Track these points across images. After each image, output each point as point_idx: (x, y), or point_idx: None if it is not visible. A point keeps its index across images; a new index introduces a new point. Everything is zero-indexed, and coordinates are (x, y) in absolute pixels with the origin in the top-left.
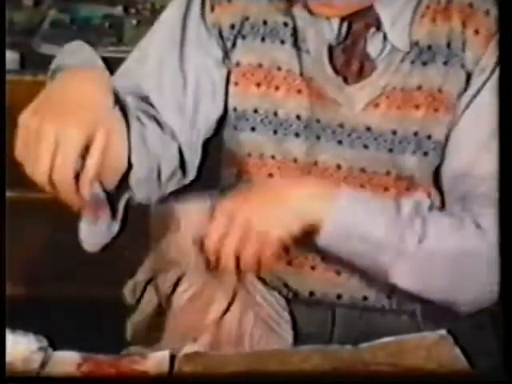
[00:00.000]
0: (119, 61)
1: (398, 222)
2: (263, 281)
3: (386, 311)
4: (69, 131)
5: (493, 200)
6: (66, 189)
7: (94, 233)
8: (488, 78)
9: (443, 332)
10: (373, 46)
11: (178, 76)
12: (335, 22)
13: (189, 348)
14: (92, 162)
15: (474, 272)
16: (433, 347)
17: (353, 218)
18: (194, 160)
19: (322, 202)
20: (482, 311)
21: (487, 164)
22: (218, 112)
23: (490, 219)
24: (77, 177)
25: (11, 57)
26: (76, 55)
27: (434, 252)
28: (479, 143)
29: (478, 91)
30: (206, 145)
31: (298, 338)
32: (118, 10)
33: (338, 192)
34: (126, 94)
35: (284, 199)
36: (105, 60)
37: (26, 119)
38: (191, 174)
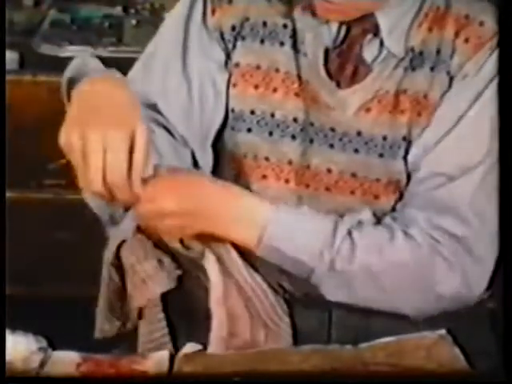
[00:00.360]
0: (119, 61)
1: (328, 249)
2: (267, 282)
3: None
4: (112, 133)
5: (428, 202)
6: (121, 189)
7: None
8: (466, 86)
9: (443, 332)
10: (369, 52)
11: (182, 83)
12: (334, 26)
13: (189, 348)
14: (139, 156)
15: (407, 282)
16: (432, 347)
17: (283, 245)
18: (207, 163)
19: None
20: (481, 311)
21: (428, 165)
22: (221, 114)
23: (421, 226)
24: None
25: (10, 57)
26: (87, 65)
27: (362, 273)
28: (428, 144)
29: (454, 95)
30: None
31: (296, 339)
32: (118, 10)
33: (273, 217)
34: None
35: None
36: (105, 60)
37: (66, 137)
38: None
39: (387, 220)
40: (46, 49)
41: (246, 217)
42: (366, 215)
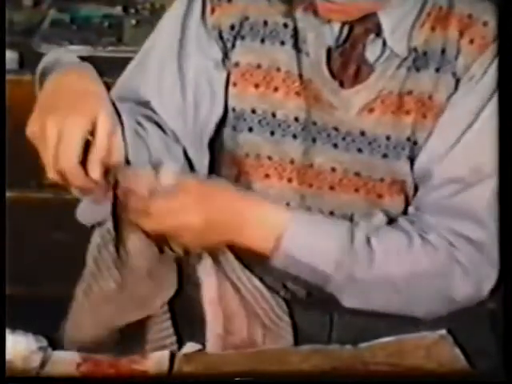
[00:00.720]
0: (119, 60)
1: (347, 256)
2: (264, 282)
3: None
4: (70, 119)
5: (445, 208)
6: (74, 174)
7: (94, 210)
8: (474, 88)
9: (443, 332)
10: (371, 51)
11: (177, 80)
12: (336, 26)
13: (189, 347)
14: (100, 142)
15: (423, 290)
16: (432, 347)
17: (301, 252)
18: (202, 161)
19: (271, 230)
20: (481, 311)
21: (443, 171)
22: (218, 113)
23: (439, 233)
24: (84, 163)
25: (10, 56)
26: (60, 58)
27: (381, 279)
28: (441, 149)
29: (461, 98)
30: (210, 145)
31: (297, 339)
32: (118, 9)
33: (291, 224)
34: (127, 100)
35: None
36: (104, 59)
37: (30, 129)
38: (202, 175)
39: (404, 223)
40: (46, 48)
41: (263, 224)
42: (380, 218)
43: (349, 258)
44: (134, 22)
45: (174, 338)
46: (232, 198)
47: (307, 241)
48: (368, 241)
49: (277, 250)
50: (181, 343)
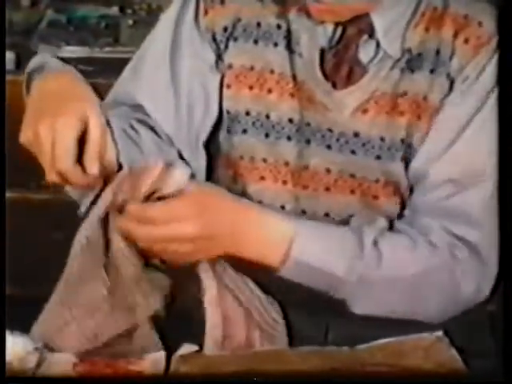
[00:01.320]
0: (115, 61)
1: (358, 259)
2: (260, 285)
3: None
4: (61, 120)
5: (441, 210)
6: (73, 174)
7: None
8: (469, 90)
9: (440, 333)
10: (365, 52)
11: (170, 84)
12: (330, 27)
13: (185, 348)
14: (93, 138)
15: (431, 289)
16: (430, 348)
17: (313, 258)
18: (198, 164)
19: (280, 240)
20: (481, 314)
21: (439, 172)
22: (213, 116)
23: (438, 233)
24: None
25: (7, 57)
26: (45, 62)
27: (390, 281)
28: (436, 150)
29: (456, 99)
30: (207, 148)
31: (292, 343)
32: (114, 10)
33: (298, 231)
34: (122, 104)
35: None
36: (101, 60)
37: (24, 136)
38: (199, 177)
39: (403, 226)
40: (44, 49)
41: (270, 235)
42: (382, 223)
43: (359, 261)
44: (130, 22)
45: (159, 344)
46: (231, 210)
47: (318, 246)
48: (375, 243)
49: (287, 260)
50: (169, 348)
